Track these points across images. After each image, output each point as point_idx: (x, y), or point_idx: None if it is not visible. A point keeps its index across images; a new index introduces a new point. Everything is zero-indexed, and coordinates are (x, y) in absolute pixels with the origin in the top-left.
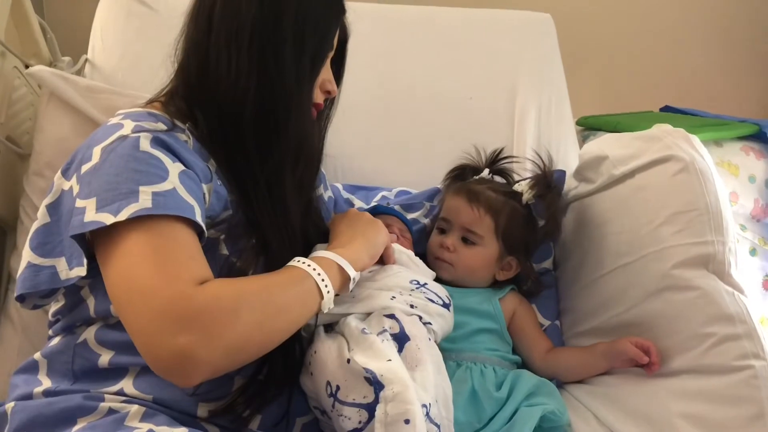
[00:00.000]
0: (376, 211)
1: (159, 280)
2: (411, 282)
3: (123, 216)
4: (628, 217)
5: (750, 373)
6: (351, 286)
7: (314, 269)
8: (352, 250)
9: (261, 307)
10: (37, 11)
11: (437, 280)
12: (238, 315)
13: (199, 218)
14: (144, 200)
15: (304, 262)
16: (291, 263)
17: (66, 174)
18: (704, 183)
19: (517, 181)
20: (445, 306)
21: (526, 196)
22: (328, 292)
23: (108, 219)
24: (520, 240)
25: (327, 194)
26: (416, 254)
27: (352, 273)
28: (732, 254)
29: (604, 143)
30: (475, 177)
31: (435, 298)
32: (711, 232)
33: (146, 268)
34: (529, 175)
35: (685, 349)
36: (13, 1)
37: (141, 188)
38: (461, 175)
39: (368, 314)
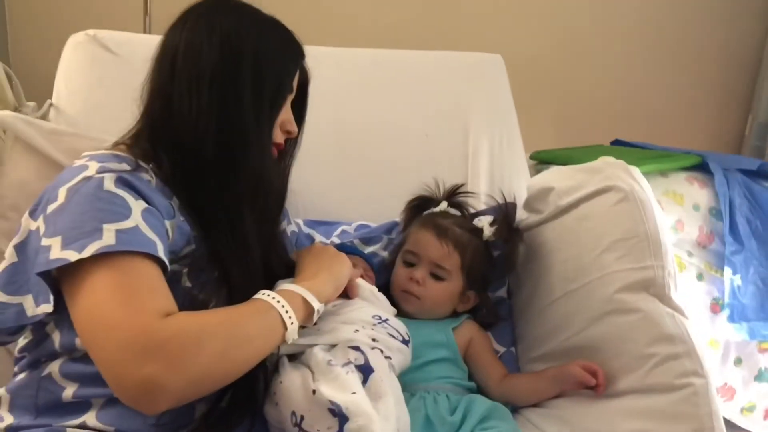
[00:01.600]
0: (342, 250)
1: (124, 313)
2: (373, 317)
3: (87, 253)
4: (574, 245)
5: (690, 390)
6: (315, 317)
7: (278, 301)
8: (317, 282)
9: (224, 338)
10: (3, 57)
11: (399, 311)
12: (201, 345)
13: (161, 253)
14: (108, 237)
15: (268, 295)
16: (256, 296)
17: (33, 215)
18: (643, 211)
19: (474, 214)
20: (405, 342)
21: (487, 233)
22: (292, 323)
23: (73, 256)
24: (480, 274)
25: (290, 229)
26: (378, 286)
27: (317, 305)
28: (671, 277)
29: (550, 175)
30: (434, 209)
31: (395, 334)
32: (651, 257)
33: (111, 302)
34: (483, 207)
35: (630, 369)
36: None
37: (105, 226)
38: (420, 206)
39: (333, 346)
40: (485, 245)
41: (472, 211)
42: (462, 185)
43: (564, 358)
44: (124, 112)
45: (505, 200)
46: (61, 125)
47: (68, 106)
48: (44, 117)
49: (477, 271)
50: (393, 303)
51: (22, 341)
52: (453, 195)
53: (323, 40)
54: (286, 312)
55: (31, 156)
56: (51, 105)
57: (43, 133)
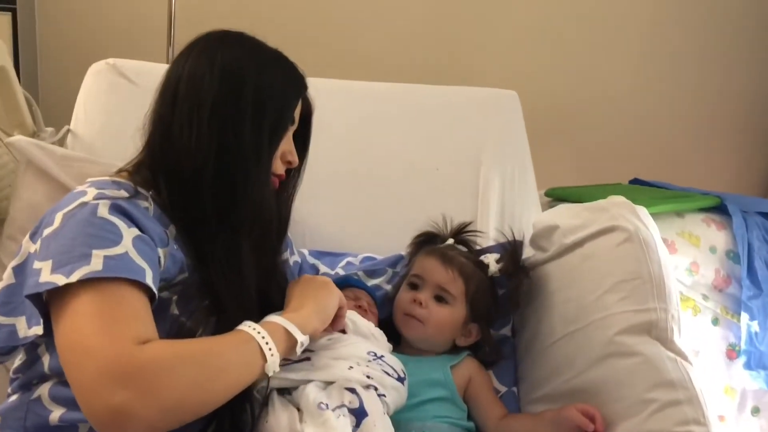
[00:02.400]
0: (347, 282)
1: (102, 338)
2: (368, 353)
3: (74, 278)
4: (577, 285)
5: None
6: (299, 350)
7: (258, 332)
8: (301, 314)
9: (199, 368)
10: (32, 82)
11: (397, 338)
12: (175, 374)
13: (149, 280)
14: (95, 263)
15: (250, 326)
16: (239, 327)
17: (33, 238)
18: (647, 252)
19: (480, 251)
20: (400, 380)
21: (492, 269)
22: (272, 355)
23: (60, 280)
24: (484, 308)
25: (293, 259)
26: (380, 320)
27: (300, 337)
28: (675, 321)
29: (556, 213)
30: (441, 245)
31: (391, 371)
32: (654, 299)
33: (91, 327)
34: (492, 243)
35: (629, 415)
36: None
37: (94, 251)
38: (426, 242)
39: (329, 383)
40: (490, 281)
41: (478, 248)
42: (469, 223)
43: (564, 400)
44: (140, 140)
45: (514, 237)
46: (77, 151)
47: (85, 132)
48: (61, 142)
49: (481, 304)
50: (393, 334)
51: (16, 362)
52: (460, 233)
53: (337, 73)
54: (267, 344)
55: (42, 180)
56: (68, 131)
57: (55, 158)
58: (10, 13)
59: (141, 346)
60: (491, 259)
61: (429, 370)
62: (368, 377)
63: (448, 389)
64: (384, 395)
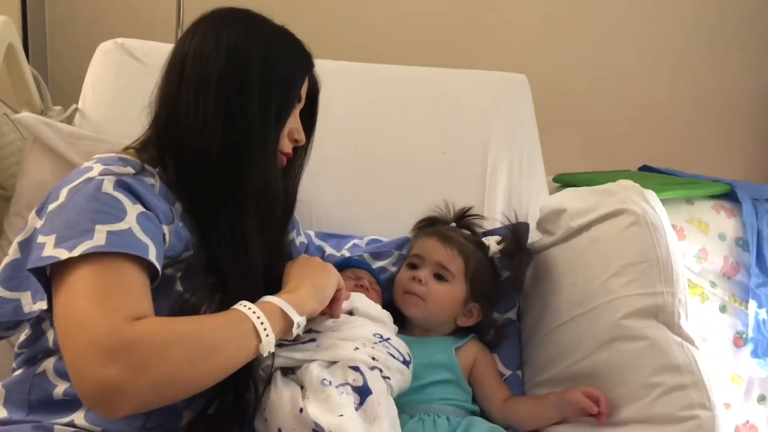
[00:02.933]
0: (348, 263)
1: (96, 313)
2: (374, 335)
3: (77, 252)
4: (584, 268)
5: (695, 423)
6: (295, 330)
7: (254, 312)
8: (298, 294)
9: (192, 346)
10: (41, 61)
11: (402, 320)
12: (167, 351)
13: (152, 257)
14: (98, 238)
15: (245, 306)
16: (234, 306)
17: (39, 213)
18: (655, 236)
19: (484, 233)
20: (405, 363)
21: (493, 249)
22: (267, 335)
23: (63, 254)
24: (484, 287)
25: (299, 240)
26: (385, 302)
27: (296, 318)
28: (682, 305)
29: (563, 197)
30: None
31: (396, 354)
32: (661, 283)
33: (87, 301)
34: (496, 227)
35: (634, 398)
36: (7, 53)
37: (97, 227)
38: (428, 226)
39: (332, 362)
40: (491, 261)
41: (482, 231)
42: (471, 208)
43: (569, 383)
44: (146, 118)
45: (517, 220)
46: (84, 129)
47: (93, 111)
48: (69, 121)
49: (481, 283)
50: (398, 316)
51: (21, 337)
52: (462, 217)
53: (345, 54)
54: (261, 324)
55: (49, 157)
56: (76, 109)
57: (62, 136)
58: None
59: (134, 322)
60: (492, 241)
61: (434, 352)
62: (373, 359)
63: (452, 372)
64: (388, 377)
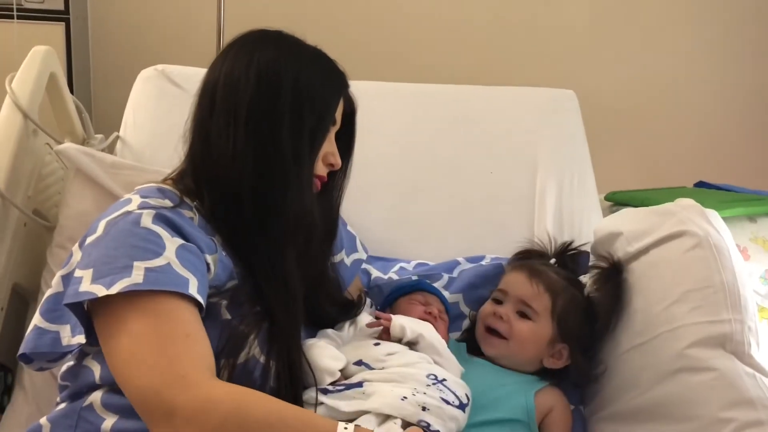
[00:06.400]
0: (419, 287)
1: (158, 360)
2: (428, 376)
3: (115, 289)
4: (643, 295)
5: None
6: None
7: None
8: None
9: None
10: (85, 89)
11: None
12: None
13: (193, 291)
14: (136, 275)
15: (346, 428)
16: (334, 421)
17: (81, 246)
18: (719, 259)
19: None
20: (461, 407)
21: (589, 287)
22: None
23: (101, 291)
24: (574, 328)
25: (354, 257)
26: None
27: None
28: (752, 333)
29: (619, 219)
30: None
31: (451, 399)
32: (728, 310)
33: (147, 348)
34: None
35: None
36: (49, 83)
37: (135, 263)
38: (524, 259)
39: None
40: (586, 300)
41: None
42: (572, 242)
43: (631, 418)
44: (183, 148)
45: (613, 258)
46: (126, 158)
47: (134, 138)
48: (111, 149)
49: (571, 323)
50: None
51: (62, 368)
52: (564, 252)
53: (388, 74)
54: None
55: (91, 188)
56: (118, 137)
57: (104, 166)
58: (63, 23)
59: (220, 386)
60: (588, 279)
61: (512, 391)
62: (424, 409)
63: (527, 416)
64: (439, 431)
